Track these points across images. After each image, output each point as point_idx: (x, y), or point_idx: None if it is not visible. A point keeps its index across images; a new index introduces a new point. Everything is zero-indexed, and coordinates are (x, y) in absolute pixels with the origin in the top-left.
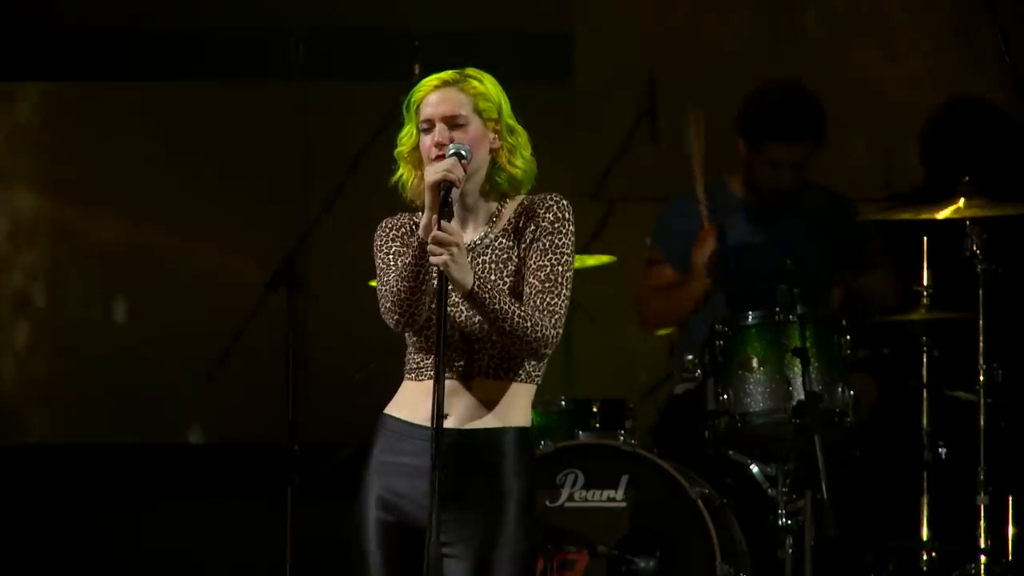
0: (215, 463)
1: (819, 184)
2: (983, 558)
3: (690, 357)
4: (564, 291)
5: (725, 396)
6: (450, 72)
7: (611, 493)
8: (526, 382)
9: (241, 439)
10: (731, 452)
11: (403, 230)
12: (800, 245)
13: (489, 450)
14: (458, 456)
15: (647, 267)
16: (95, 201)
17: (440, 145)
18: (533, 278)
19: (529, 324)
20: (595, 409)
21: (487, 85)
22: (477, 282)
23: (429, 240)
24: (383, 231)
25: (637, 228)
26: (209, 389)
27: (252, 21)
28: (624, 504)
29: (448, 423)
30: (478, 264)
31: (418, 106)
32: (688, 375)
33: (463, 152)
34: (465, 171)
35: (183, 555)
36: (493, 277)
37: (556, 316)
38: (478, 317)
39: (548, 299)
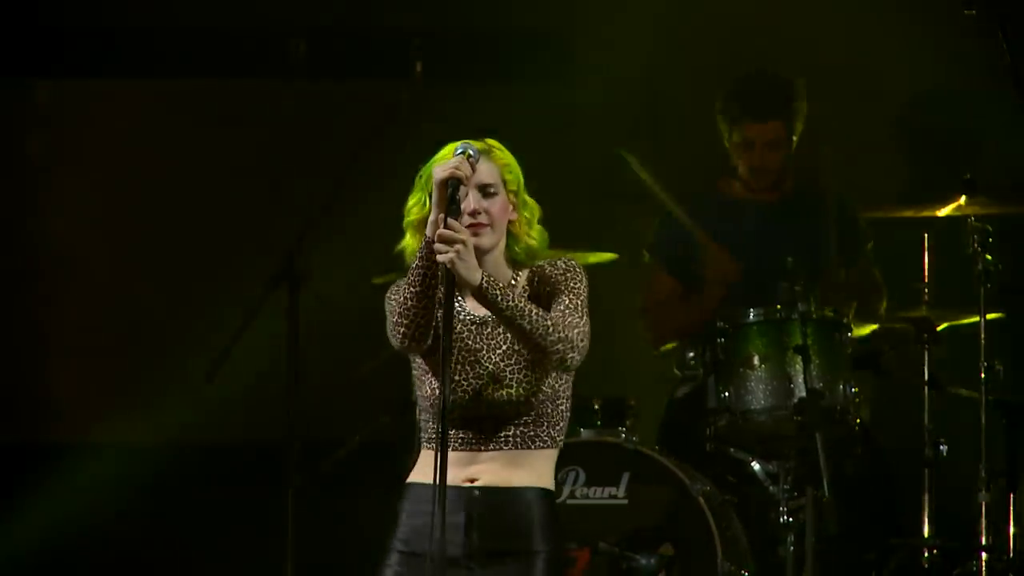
0: (215, 461)
1: (815, 181)
2: (984, 555)
3: (691, 355)
4: (584, 319)
5: (726, 393)
6: (475, 141)
7: (612, 491)
8: (551, 447)
9: (241, 437)
10: (732, 449)
11: None
12: (796, 241)
13: (519, 509)
14: (490, 515)
15: (650, 281)
16: (93, 197)
17: (475, 213)
18: (559, 304)
19: (550, 323)
20: (596, 407)
21: (509, 157)
22: (485, 278)
23: (435, 238)
24: (397, 289)
25: (638, 227)
26: (209, 387)
27: (253, 19)
28: (625, 501)
29: (474, 484)
30: (500, 333)
31: None
32: (689, 372)
33: (471, 152)
34: (473, 169)
35: (182, 552)
36: (518, 347)
37: (577, 330)
38: (506, 393)
39: (570, 316)
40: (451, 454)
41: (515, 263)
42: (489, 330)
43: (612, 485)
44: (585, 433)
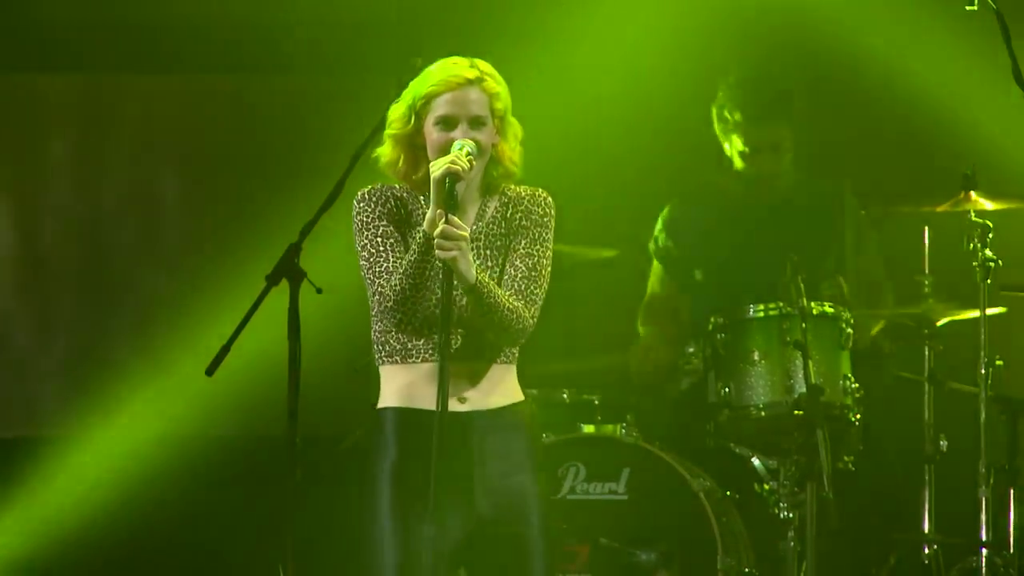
0: (215, 456)
1: (815, 175)
2: (985, 551)
3: (691, 349)
4: (545, 282)
5: (727, 389)
6: (468, 68)
7: (613, 486)
8: (511, 363)
9: (241, 432)
10: (733, 445)
11: (388, 205)
12: (798, 239)
13: (511, 426)
14: (484, 436)
15: (650, 284)
16: (93, 195)
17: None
18: (520, 263)
19: (515, 316)
20: (596, 402)
21: (500, 83)
22: (479, 276)
23: (437, 235)
24: (366, 206)
25: (639, 223)
26: (209, 381)
27: (253, 14)
28: (626, 497)
29: (466, 407)
30: (473, 251)
31: (432, 98)
32: (689, 367)
33: (470, 150)
34: (471, 167)
35: (181, 547)
36: (489, 264)
37: (536, 306)
38: (467, 302)
39: (531, 287)
40: (425, 366)
41: (488, 186)
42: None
43: (612, 481)
44: (585, 428)
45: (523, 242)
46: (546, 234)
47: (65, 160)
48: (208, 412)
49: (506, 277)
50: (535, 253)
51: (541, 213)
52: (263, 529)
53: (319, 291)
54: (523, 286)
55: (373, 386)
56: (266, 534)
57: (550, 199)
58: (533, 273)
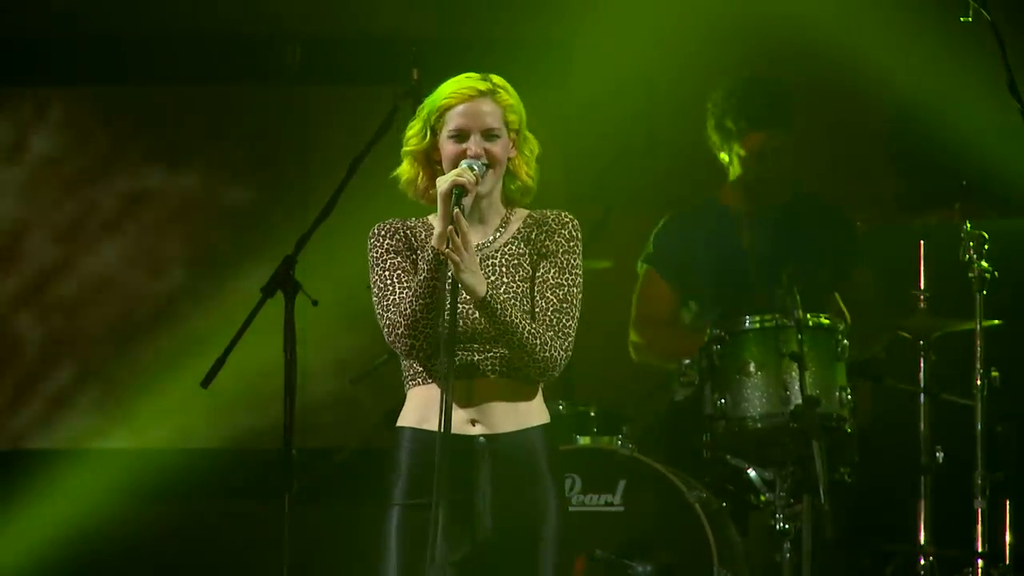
0: (211, 468)
1: (813, 193)
2: (981, 562)
3: (687, 361)
4: (577, 313)
5: (723, 400)
6: (481, 81)
7: (608, 497)
8: (531, 383)
9: (237, 444)
10: (729, 456)
11: (396, 237)
12: (795, 253)
13: (524, 451)
14: (492, 462)
15: (644, 292)
16: (89, 203)
17: (476, 156)
18: (551, 294)
19: (539, 342)
20: (592, 414)
21: (513, 96)
22: (490, 290)
23: (445, 248)
24: (376, 241)
25: (633, 234)
26: (205, 394)
27: (250, 25)
28: (622, 508)
29: (476, 430)
30: (487, 267)
31: (445, 111)
32: (686, 379)
33: (475, 167)
34: (477, 182)
35: (178, 560)
36: (505, 280)
37: (569, 339)
38: (478, 316)
39: (563, 320)
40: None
41: (508, 200)
42: (481, 258)
43: (608, 492)
44: (581, 440)
45: (552, 271)
46: (574, 260)
47: (59, 166)
48: (203, 424)
49: (537, 310)
50: (565, 283)
51: (567, 236)
52: (260, 542)
53: (315, 303)
54: (554, 319)
55: (370, 399)
56: (262, 546)
57: (576, 222)
58: (564, 305)
